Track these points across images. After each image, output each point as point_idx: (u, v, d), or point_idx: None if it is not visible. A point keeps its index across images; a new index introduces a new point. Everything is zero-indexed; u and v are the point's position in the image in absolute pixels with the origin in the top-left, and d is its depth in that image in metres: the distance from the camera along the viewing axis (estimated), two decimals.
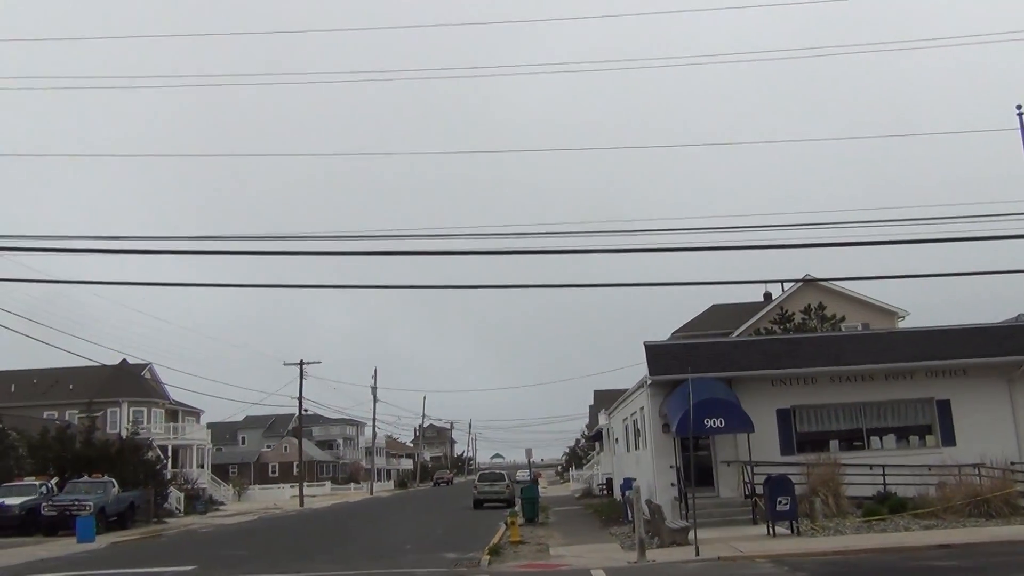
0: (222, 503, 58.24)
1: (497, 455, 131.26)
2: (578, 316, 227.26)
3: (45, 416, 53.56)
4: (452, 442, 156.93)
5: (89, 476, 34.47)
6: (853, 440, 24.78)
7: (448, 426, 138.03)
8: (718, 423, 21.91)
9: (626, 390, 32.89)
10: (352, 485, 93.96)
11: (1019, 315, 31.56)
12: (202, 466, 62.94)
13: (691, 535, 17.73)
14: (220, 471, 76.70)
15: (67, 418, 53.15)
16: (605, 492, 44.97)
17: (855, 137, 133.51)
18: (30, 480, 34.56)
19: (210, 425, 72.34)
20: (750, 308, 43.37)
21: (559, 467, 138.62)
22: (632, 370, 50.87)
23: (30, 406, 56.56)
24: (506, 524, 24.57)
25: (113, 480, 34.46)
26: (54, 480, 35.40)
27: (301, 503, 57.47)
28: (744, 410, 22.61)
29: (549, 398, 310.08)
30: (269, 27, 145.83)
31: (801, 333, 33.21)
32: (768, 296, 43.90)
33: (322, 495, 76.25)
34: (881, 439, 24.70)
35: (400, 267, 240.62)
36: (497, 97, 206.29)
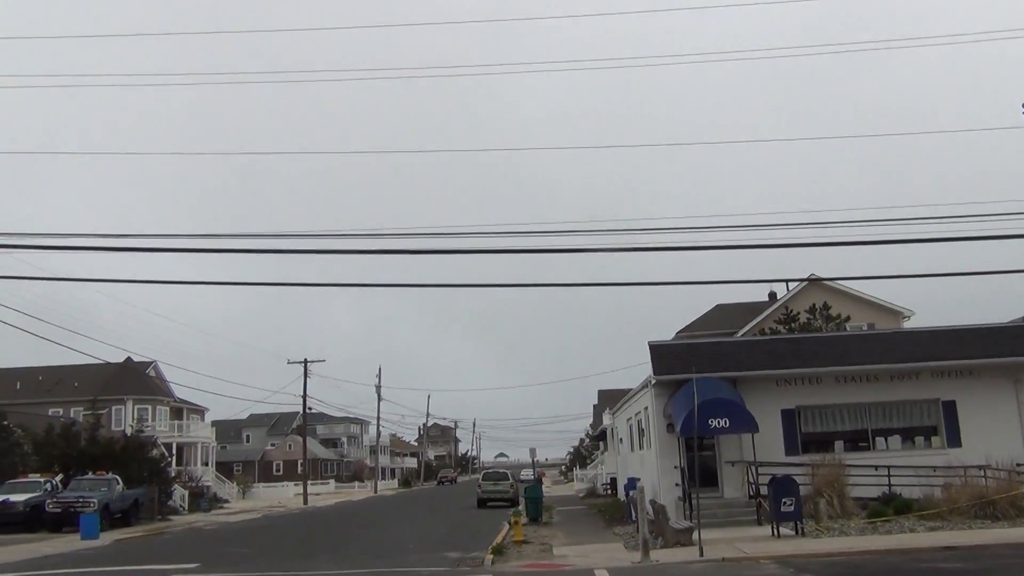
0: (226, 501, 58.29)
1: (501, 454, 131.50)
2: (583, 315, 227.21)
3: (50, 413, 53.64)
4: (456, 441, 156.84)
5: (93, 473, 34.55)
6: (858, 441, 24.69)
7: (452, 425, 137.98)
8: (722, 423, 21.83)
9: (630, 390, 32.84)
10: (356, 484, 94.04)
11: None
12: (206, 464, 63.04)
13: (695, 535, 17.69)
14: (224, 469, 76.79)
15: (72, 415, 53.30)
16: (609, 492, 44.92)
17: (860, 136, 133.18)
18: (35, 477, 34.66)
19: (214, 423, 72.51)
20: (755, 308, 43.25)
21: (563, 467, 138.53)
22: (636, 370, 50.91)
23: (35, 403, 56.71)
24: (510, 523, 24.54)
25: (117, 477, 34.51)
26: (59, 477, 35.50)
27: (305, 501, 57.49)
28: (748, 410, 22.53)
29: (553, 397, 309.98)
30: (268, 27, 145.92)
31: (806, 333, 33.12)
32: (773, 296, 43.80)
33: (326, 493, 76.32)
34: (886, 440, 24.61)
35: (404, 265, 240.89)
36: (501, 96, 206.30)
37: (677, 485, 23.75)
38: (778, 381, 24.78)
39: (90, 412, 46.08)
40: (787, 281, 40.24)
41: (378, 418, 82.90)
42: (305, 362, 60.88)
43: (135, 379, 61.06)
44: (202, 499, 50.28)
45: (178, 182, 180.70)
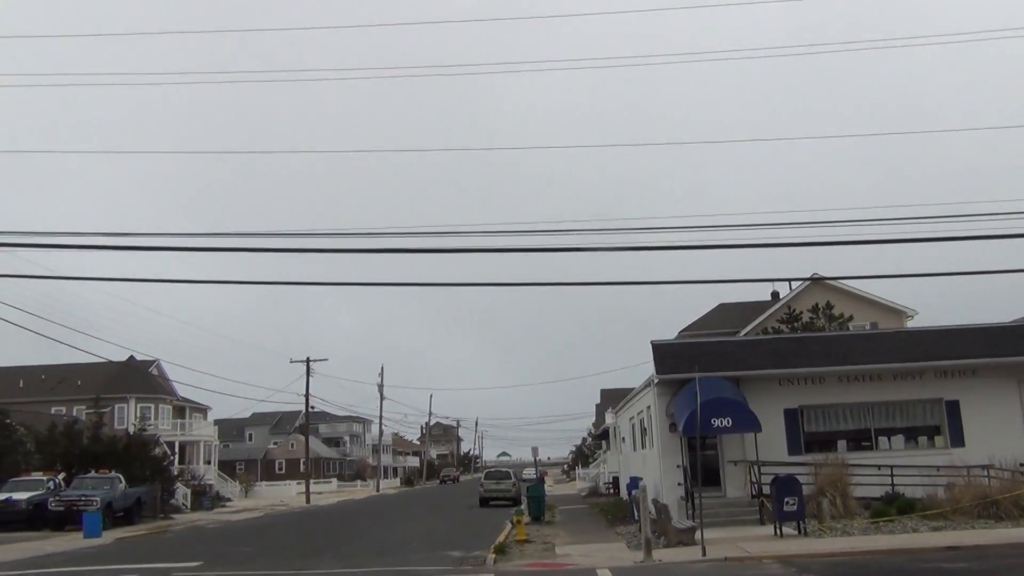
0: (229, 499, 58.33)
1: (504, 453, 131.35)
2: (585, 314, 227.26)
3: (53, 412, 53.69)
4: (458, 440, 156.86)
5: (96, 472, 34.60)
6: (861, 440, 24.65)
7: (454, 424, 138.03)
8: (725, 423, 21.80)
9: (633, 389, 32.82)
10: (358, 482, 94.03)
11: None
12: (209, 462, 63.06)
13: (698, 535, 17.67)
14: (227, 467, 76.86)
15: (75, 414, 53.28)
16: (611, 491, 44.92)
17: (863, 135, 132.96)
18: (37, 475, 34.67)
19: (217, 422, 72.54)
20: (757, 307, 43.22)
21: (565, 466, 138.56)
22: (639, 369, 50.88)
23: (38, 402, 56.76)
24: (512, 523, 24.52)
25: (120, 476, 34.55)
26: (61, 475, 35.54)
27: (308, 500, 57.52)
28: (751, 410, 22.49)
29: (556, 397, 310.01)
30: (267, 26, 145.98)
31: (809, 332, 33.08)
32: (775, 295, 43.76)
33: (328, 492, 76.33)
34: (889, 439, 24.57)
35: (406, 264, 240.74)
36: (502, 94, 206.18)
37: (680, 484, 23.73)
38: (781, 380, 24.75)
39: (93, 410, 46.13)
40: (790, 280, 40.24)
41: (380, 417, 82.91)
42: (308, 361, 60.89)
43: (138, 378, 61.10)
44: (204, 498, 50.31)
45: (178, 181, 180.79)
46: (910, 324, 38.53)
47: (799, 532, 19.20)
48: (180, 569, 18.46)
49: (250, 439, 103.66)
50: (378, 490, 79.40)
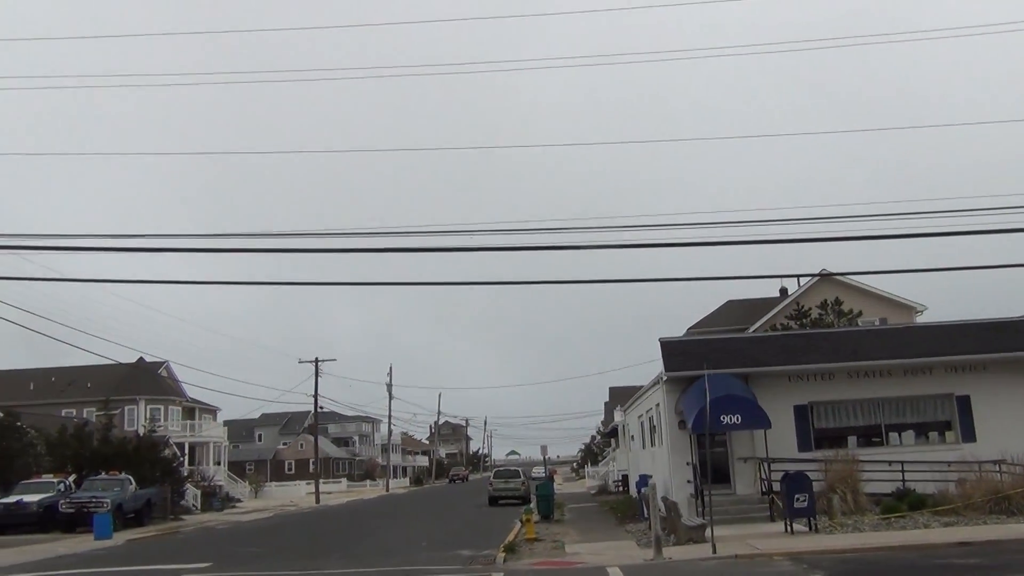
0: (239, 500, 58.47)
1: (513, 452, 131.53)
2: (594, 312, 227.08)
3: (63, 414, 53.93)
4: (467, 439, 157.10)
5: (106, 473, 34.69)
6: (871, 436, 24.54)
7: (463, 423, 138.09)
8: (734, 419, 21.72)
9: (642, 387, 32.76)
10: (368, 482, 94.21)
11: None
12: (219, 463, 63.23)
13: (708, 532, 17.61)
14: (237, 468, 77.06)
15: (85, 416, 53.56)
16: (621, 489, 44.83)
17: (870, 129, 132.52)
18: (48, 478, 34.81)
19: (227, 423, 72.73)
20: (766, 304, 43.12)
21: (574, 464, 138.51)
22: (648, 366, 50.73)
23: (48, 404, 56.99)
24: (521, 521, 24.51)
25: (130, 477, 34.66)
26: (72, 477, 35.65)
27: (317, 500, 57.64)
28: (761, 406, 22.41)
29: (564, 395, 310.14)
30: (267, 26, 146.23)
31: (818, 328, 32.96)
32: (784, 291, 43.64)
33: (338, 492, 76.50)
34: (900, 435, 24.45)
35: (413, 264, 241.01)
36: (504, 92, 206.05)
37: (689, 482, 23.67)
38: (790, 377, 24.66)
39: (103, 412, 46.29)
40: (798, 276, 40.12)
41: (389, 416, 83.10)
42: (316, 361, 61.03)
43: (147, 379, 61.31)
44: (214, 498, 50.44)
45: (178, 181, 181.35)
46: (920, 319, 38.37)
47: (810, 529, 19.13)
48: (190, 570, 18.50)
49: (259, 440, 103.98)
50: (388, 490, 79.53)
